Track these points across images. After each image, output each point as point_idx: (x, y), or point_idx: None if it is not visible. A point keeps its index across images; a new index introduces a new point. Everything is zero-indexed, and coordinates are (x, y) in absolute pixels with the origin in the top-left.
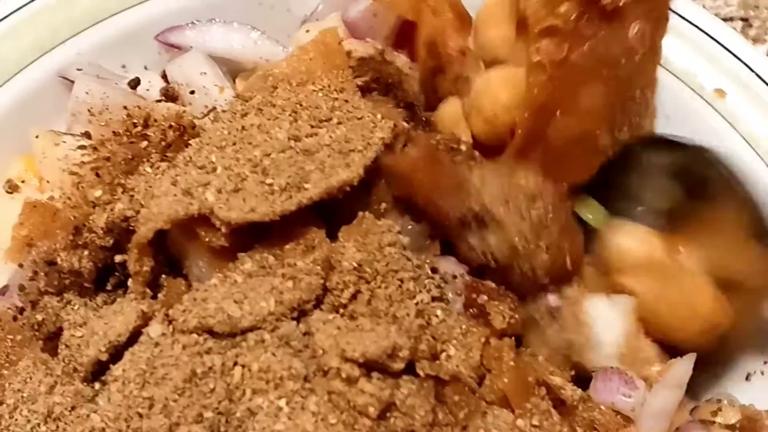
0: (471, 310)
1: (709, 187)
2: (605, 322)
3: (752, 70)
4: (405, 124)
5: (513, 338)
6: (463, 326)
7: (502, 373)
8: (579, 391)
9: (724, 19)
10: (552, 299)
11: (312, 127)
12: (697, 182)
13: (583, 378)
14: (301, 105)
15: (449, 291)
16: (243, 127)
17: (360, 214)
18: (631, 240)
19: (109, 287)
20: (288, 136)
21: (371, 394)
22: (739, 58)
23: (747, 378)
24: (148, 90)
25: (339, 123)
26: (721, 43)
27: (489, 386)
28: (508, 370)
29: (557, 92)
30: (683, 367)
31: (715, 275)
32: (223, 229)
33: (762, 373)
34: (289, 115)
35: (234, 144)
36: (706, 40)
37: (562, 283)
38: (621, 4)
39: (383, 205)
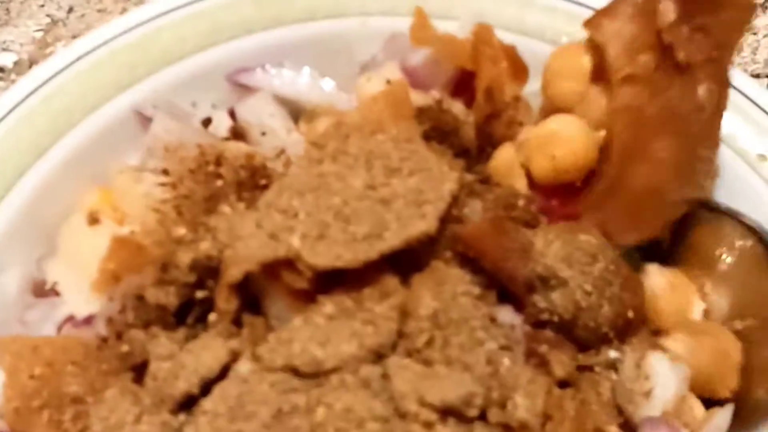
0: (531, 359)
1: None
2: (664, 379)
3: None
4: (468, 176)
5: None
6: (529, 375)
7: (564, 422)
8: None
9: (753, 76)
10: (614, 353)
11: (385, 176)
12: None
13: (626, 427)
14: (373, 154)
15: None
16: (320, 174)
17: (433, 263)
18: (663, 282)
19: (188, 321)
20: (364, 184)
21: None
22: None
23: None
24: (216, 128)
25: (409, 174)
26: (763, 108)
27: None
28: (569, 419)
29: (637, 139)
30: (723, 416)
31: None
32: (308, 274)
33: None
34: (363, 164)
35: (313, 190)
36: (748, 104)
37: (625, 335)
38: (694, 60)
39: (447, 254)
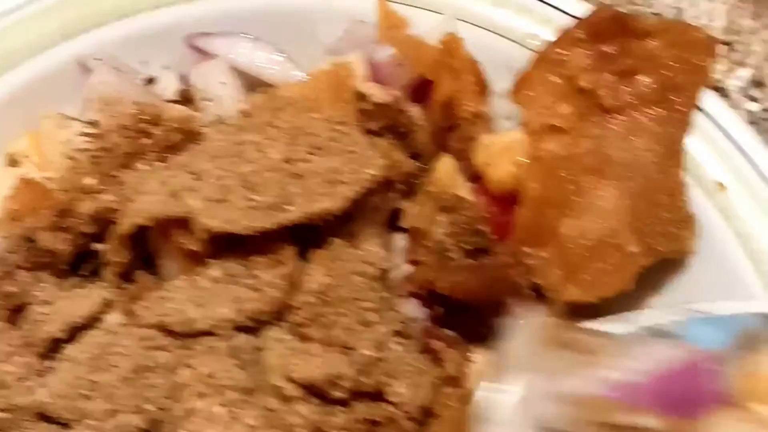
0: (424, 355)
1: None
2: None
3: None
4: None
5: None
6: (419, 365)
7: (448, 420)
8: None
9: None
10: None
11: (307, 153)
12: None
13: None
14: (300, 130)
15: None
16: (240, 142)
17: (331, 239)
18: None
19: (84, 273)
20: (282, 157)
21: (303, 416)
22: (745, 154)
23: None
24: (163, 89)
25: (333, 154)
26: (730, 136)
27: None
28: (453, 418)
29: (564, 190)
30: None
31: None
32: (201, 236)
33: None
34: (287, 138)
35: (228, 156)
36: (715, 131)
37: None
38: (624, 104)
39: (360, 239)
